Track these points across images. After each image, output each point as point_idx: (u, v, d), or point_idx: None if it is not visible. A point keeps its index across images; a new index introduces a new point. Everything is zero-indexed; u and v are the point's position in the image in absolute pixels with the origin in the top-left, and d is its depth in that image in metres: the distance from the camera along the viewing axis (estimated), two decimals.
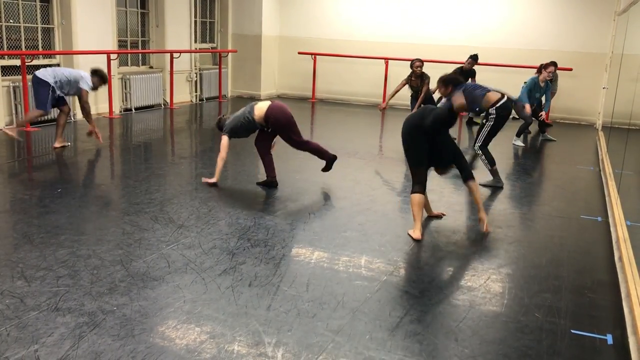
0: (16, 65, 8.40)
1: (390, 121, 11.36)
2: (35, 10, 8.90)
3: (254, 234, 4.55)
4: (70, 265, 3.78)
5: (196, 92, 12.40)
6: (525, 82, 9.03)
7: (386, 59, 12.48)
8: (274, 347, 2.94)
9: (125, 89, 10.43)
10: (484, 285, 3.82)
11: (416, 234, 4.58)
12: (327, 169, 6.16)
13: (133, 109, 10.55)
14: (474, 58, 10.24)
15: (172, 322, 3.14)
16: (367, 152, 8.04)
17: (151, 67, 11.42)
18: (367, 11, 12.84)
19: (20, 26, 8.71)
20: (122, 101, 10.44)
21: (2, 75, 8.25)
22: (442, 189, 6.21)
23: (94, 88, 7.28)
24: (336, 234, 4.66)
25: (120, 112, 10.33)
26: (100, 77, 7.25)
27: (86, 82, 7.10)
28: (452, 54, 11.72)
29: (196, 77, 12.34)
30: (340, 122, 10.79)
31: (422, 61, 8.90)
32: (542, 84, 8.89)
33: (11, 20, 8.58)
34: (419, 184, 4.64)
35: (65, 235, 4.32)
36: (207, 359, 2.81)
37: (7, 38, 8.52)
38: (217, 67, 12.77)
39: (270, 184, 5.90)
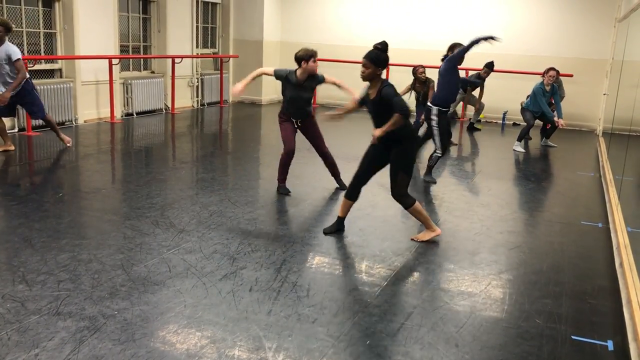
0: None
1: None
2: (38, 16, 8.94)
3: (255, 238, 4.56)
4: (72, 270, 3.78)
5: (197, 97, 12.43)
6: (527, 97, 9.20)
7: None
8: (274, 352, 2.94)
9: (127, 93, 10.45)
10: (485, 291, 3.82)
11: (437, 230, 4.70)
12: (342, 186, 6.12)
13: (134, 114, 10.57)
14: (489, 66, 10.32)
15: (172, 327, 3.14)
16: None
17: (153, 72, 11.45)
18: (368, 17, 12.88)
19: (22, 31, 8.74)
20: (124, 106, 10.46)
21: None
22: (443, 195, 6.21)
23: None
24: (337, 239, 4.66)
25: (122, 116, 10.35)
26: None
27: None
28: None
29: (197, 82, 12.36)
30: (340, 128, 10.79)
31: (424, 67, 8.97)
32: (547, 88, 8.98)
33: (13, 25, 8.60)
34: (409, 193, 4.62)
35: (66, 239, 4.32)
36: None
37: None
38: (219, 72, 12.80)
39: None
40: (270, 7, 13.22)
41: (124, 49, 10.66)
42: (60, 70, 9.34)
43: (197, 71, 12.33)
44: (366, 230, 4.91)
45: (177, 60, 11.22)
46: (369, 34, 12.88)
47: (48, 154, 7.51)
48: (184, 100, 12.01)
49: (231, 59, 13.25)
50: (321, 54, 13.05)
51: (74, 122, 9.30)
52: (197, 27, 12.25)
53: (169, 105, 11.37)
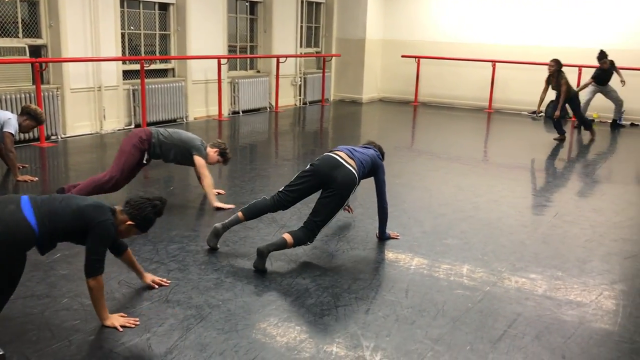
0: (136, 70, 8.97)
1: (496, 126, 11.00)
2: (154, 18, 9.49)
3: (354, 236, 4.58)
4: (180, 260, 3.99)
5: (300, 95, 12.66)
6: None
7: (493, 62, 12.10)
8: (372, 351, 2.94)
9: (234, 92, 10.85)
10: (595, 302, 3.60)
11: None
12: None
13: (240, 112, 10.95)
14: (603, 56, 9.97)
15: (273, 320, 3.23)
16: (470, 158, 7.83)
17: (258, 72, 11.80)
18: (473, 13, 12.51)
19: (140, 33, 9.31)
20: (231, 104, 10.87)
21: (124, 79, 8.84)
22: (553, 198, 5.92)
23: (23, 130, 6.08)
24: (437, 240, 4.58)
25: (229, 114, 10.76)
26: (32, 117, 5.89)
27: (12, 125, 5.72)
28: (565, 55, 11.15)
29: (300, 81, 12.60)
30: (442, 126, 10.59)
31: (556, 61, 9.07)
32: None
33: (132, 27, 9.19)
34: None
35: (176, 230, 4.56)
36: (306, 358, 2.87)
37: (128, 44, 9.13)
38: (321, 71, 12.96)
39: None
40: (374, 5, 13.19)
41: (231, 49, 11.06)
42: (173, 69, 9.87)
43: (300, 70, 12.57)
44: (468, 233, 4.78)
45: (281, 59, 11.48)
46: (475, 31, 12.53)
47: None
48: (287, 98, 12.28)
49: (333, 57, 13.38)
50: (424, 51, 13.01)
51: (184, 119, 9.78)
52: (301, 27, 12.47)
53: (273, 103, 11.67)
